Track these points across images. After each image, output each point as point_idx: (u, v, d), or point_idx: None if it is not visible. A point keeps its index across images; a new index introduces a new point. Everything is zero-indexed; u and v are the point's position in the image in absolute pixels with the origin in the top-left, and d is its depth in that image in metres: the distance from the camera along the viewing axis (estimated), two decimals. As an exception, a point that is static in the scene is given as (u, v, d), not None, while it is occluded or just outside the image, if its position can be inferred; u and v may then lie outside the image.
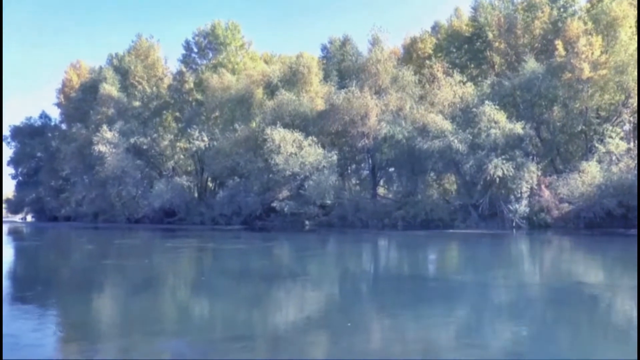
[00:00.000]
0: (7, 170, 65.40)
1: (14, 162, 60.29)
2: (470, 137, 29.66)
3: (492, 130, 29.18)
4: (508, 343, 6.32)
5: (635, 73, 28.60)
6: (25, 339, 6.28)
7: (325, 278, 12.94)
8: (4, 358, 3.50)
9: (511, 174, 28.23)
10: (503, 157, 28.44)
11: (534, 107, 31.73)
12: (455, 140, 29.31)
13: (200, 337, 6.71)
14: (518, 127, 29.28)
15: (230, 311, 8.59)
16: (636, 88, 29.05)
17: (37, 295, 10.29)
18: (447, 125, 30.62)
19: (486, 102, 30.56)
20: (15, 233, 37.60)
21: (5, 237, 34.67)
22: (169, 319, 8.36)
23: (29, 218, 60.99)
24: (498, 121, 29.53)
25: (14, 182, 61.94)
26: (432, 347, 6.14)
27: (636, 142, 30.79)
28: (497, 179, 28.28)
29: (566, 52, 30.31)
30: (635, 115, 30.90)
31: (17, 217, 62.87)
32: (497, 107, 30.16)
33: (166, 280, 13.16)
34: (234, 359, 3.79)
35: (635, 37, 29.39)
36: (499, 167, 28.03)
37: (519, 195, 29.22)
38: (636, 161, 28.17)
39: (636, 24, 30.15)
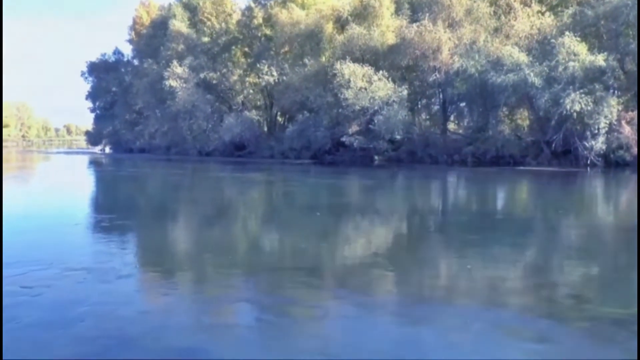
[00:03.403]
0: (86, 104, 68.95)
1: (92, 96, 63.01)
2: (547, 70, 28.59)
3: (571, 63, 27.94)
4: (577, 285, 6.36)
5: None
6: (108, 265, 6.95)
7: (394, 214, 13.31)
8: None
9: (589, 108, 27.19)
10: (581, 90, 27.36)
11: (619, 37, 29.89)
12: (531, 74, 28.33)
13: (270, 268, 7.06)
14: (600, 59, 27.82)
15: (300, 244, 8.99)
16: None
17: (120, 222, 11.15)
18: (522, 58, 29.57)
19: (566, 33, 29.10)
20: (96, 164, 40.04)
21: (87, 166, 37.12)
22: (242, 250, 8.89)
23: (107, 150, 64.18)
24: (578, 53, 28.21)
25: (92, 115, 65.33)
26: (499, 286, 6.21)
27: None
28: (574, 114, 27.33)
29: (662, -26, 28.18)
30: None
31: (97, 149, 66.32)
32: (577, 38, 28.75)
33: (240, 213, 13.86)
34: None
35: None
36: (576, 102, 27.05)
37: (596, 131, 28.16)
38: None
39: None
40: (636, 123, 28.15)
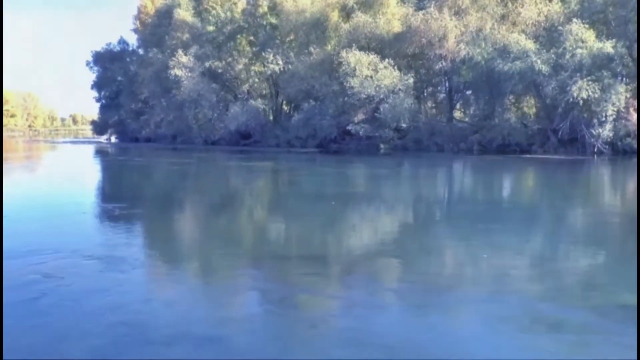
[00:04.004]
0: (91, 94, 69.25)
1: (97, 86, 63.06)
2: (554, 58, 28.47)
3: (578, 50, 27.82)
4: (583, 273, 6.40)
5: None
6: (124, 254, 7.03)
7: (400, 202, 13.36)
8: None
9: (596, 96, 27.10)
10: (588, 78, 27.24)
11: (627, 23, 29.62)
12: (538, 61, 28.25)
13: (277, 257, 7.10)
14: (608, 46, 27.68)
15: (307, 233, 9.03)
16: None
17: (131, 211, 11.22)
18: (529, 45, 29.44)
19: (573, 19, 28.98)
20: (103, 153, 40.19)
21: (94, 155, 37.27)
22: (255, 240, 8.89)
23: (113, 139, 64.28)
24: (586, 40, 28.06)
25: (97, 104, 65.49)
26: (505, 274, 6.24)
27: None
28: (581, 102, 27.25)
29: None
30: None
31: (103, 138, 66.47)
32: (585, 25, 28.58)
33: (249, 202, 13.91)
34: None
35: None
36: (583, 89, 26.95)
37: (603, 119, 28.10)
38: None
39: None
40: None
